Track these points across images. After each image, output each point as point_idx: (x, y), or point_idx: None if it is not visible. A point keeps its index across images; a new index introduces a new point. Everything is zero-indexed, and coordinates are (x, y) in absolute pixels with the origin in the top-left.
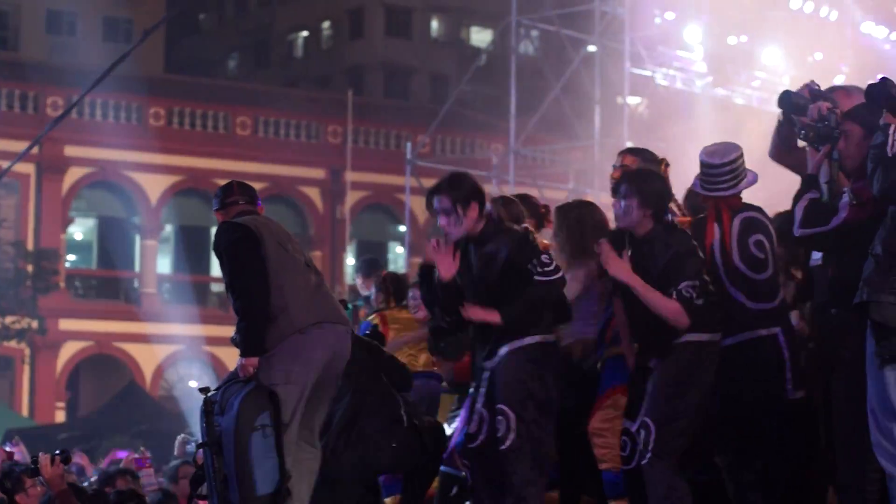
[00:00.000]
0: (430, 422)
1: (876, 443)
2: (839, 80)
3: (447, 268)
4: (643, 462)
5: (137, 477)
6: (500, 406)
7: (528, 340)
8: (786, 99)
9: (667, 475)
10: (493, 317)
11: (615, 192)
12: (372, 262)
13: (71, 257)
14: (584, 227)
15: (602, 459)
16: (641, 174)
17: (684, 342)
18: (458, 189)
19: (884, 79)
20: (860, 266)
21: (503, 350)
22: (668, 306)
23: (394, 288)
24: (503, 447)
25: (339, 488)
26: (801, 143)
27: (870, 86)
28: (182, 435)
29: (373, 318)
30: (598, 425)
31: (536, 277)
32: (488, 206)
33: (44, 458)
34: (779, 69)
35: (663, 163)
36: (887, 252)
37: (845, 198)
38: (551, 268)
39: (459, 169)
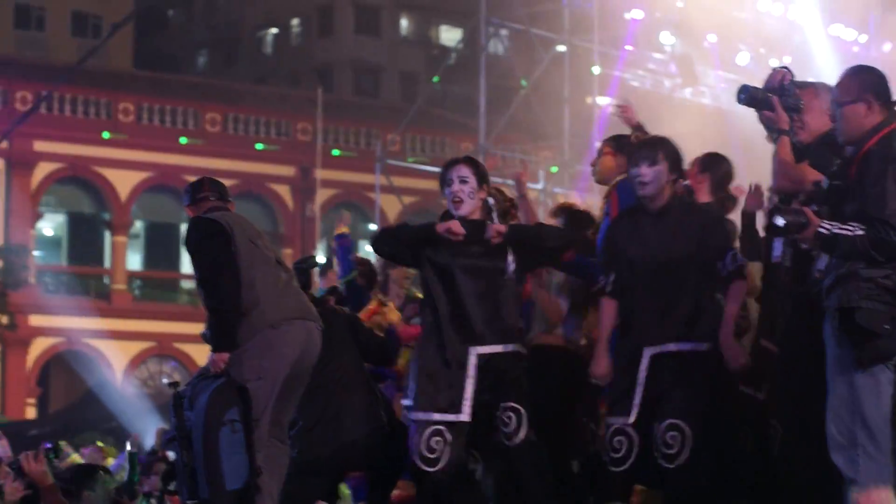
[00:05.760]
0: (398, 423)
1: (834, 446)
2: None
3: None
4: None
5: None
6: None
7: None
8: (744, 93)
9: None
10: None
11: (638, 158)
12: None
13: (40, 253)
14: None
15: None
16: (665, 139)
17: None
18: (479, 167)
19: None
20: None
21: None
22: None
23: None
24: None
25: (310, 480)
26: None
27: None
28: (160, 426)
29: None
30: None
31: None
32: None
33: (24, 457)
34: (748, 71)
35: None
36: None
37: None
38: None
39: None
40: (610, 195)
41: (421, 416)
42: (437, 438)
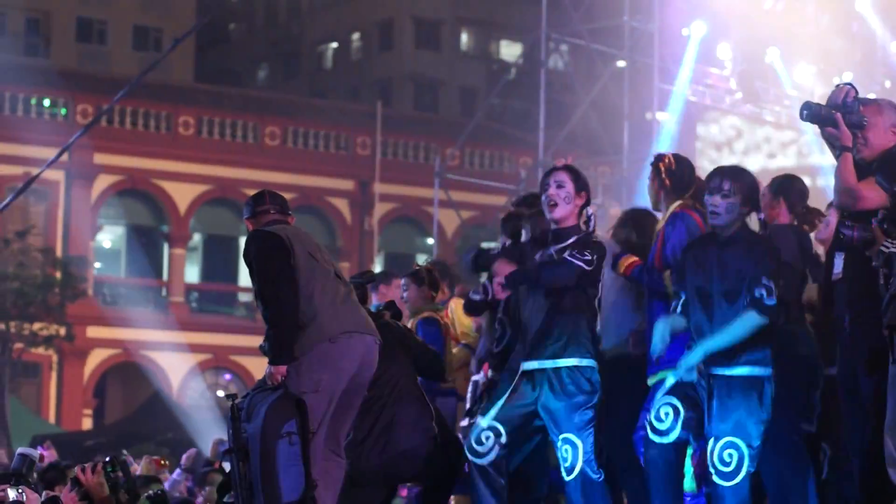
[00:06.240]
0: (453, 436)
1: (891, 461)
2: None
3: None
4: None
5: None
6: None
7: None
8: (807, 109)
9: None
10: None
11: (713, 188)
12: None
13: (99, 265)
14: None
15: None
16: (740, 170)
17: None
18: (579, 175)
19: None
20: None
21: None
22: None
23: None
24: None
25: (362, 493)
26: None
27: None
28: (217, 437)
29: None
30: None
31: None
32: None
33: (81, 468)
34: (808, 87)
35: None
36: None
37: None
38: None
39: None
40: (660, 230)
41: None
42: None
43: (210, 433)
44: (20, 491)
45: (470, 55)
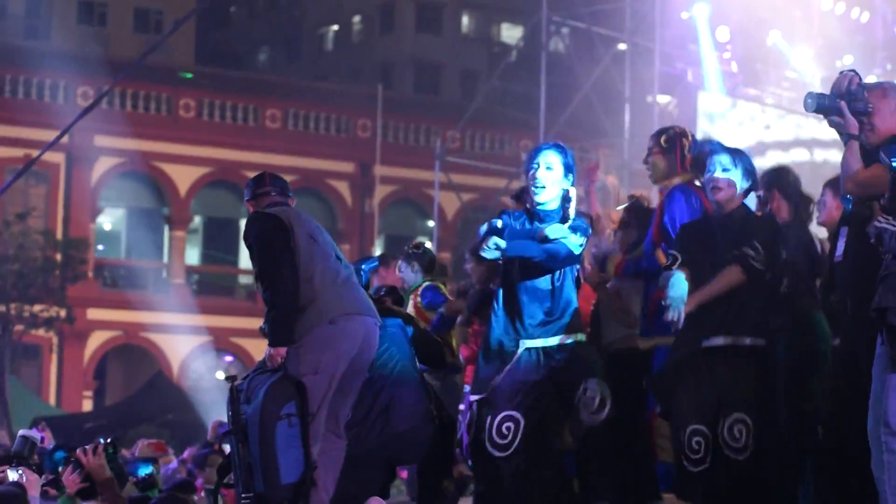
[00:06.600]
0: (449, 417)
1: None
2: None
3: None
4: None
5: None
6: None
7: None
8: (813, 101)
9: None
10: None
11: (713, 162)
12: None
13: (100, 247)
14: None
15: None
16: (741, 151)
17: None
18: (567, 156)
19: None
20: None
21: None
22: (724, 277)
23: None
24: None
25: (360, 474)
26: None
27: None
28: (216, 419)
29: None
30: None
31: None
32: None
33: (82, 450)
34: (809, 70)
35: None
36: None
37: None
38: None
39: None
40: (658, 205)
41: None
42: None
43: (210, 415)
44: (20, 472)
45: (471, 38)
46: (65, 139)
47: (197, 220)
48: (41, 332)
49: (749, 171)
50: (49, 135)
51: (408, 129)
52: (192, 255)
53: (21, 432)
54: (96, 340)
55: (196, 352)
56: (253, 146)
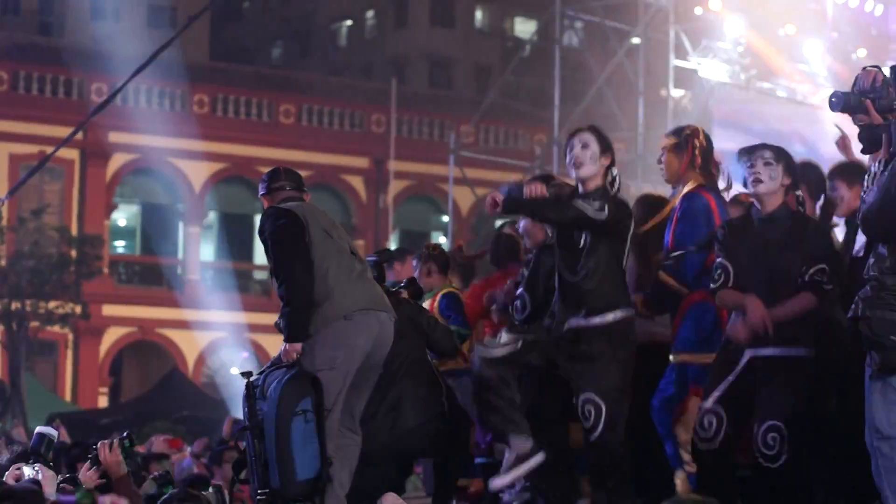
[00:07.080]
0: (462, 411)
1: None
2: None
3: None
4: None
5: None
6: None
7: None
8: (839, 100)
9: None
10: None
11: (750, 155)
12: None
13: (115, 243)
14: None
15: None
16: (782, 148)
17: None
18: (602, 135)
19: None
20: None
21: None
22: (800, 302)
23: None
24: None
25: (373, 470)
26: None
27: None
28: (231, 415)
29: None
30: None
31: None
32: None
33: (101, 446)
34: (822, 64)
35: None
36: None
37: None
38: None
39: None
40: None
41: None
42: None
43: (225, 411)
44: (36, 469)
45: (484, 32)
46: (79, 135)
47: (211, 216)
48: (56, 328)
49: (791, 168)
50: (63, 131)
51: (422, 123)
52: (207, 251)
53: (38, 429)
54: (111, 337)
55: (211, 348)
56: (267, 141)
